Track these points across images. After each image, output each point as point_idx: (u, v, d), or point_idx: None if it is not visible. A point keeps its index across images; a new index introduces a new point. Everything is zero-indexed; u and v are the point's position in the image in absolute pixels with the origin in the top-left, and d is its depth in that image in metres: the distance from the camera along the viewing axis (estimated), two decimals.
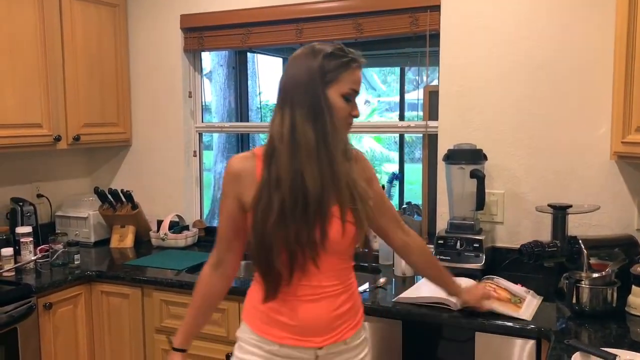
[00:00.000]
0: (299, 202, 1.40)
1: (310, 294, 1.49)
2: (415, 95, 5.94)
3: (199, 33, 3.07)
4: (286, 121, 1.44)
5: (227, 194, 1.54)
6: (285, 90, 1.47)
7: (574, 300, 1.93)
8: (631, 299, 1.93)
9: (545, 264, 2.17)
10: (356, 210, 1.47)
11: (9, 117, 2.56)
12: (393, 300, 2.09)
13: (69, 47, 2.82)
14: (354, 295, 1.59)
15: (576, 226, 2.30)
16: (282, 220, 1.40)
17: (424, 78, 2.87)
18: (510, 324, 1.86)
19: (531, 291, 2.11)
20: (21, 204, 2.84)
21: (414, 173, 5.67)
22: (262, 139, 6.09)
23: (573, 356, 1.48)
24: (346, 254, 1.54)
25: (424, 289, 2.16)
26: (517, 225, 2.46)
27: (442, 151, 2.51)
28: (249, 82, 5.20)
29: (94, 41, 2.96)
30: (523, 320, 1.87)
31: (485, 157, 2.41)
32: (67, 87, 2.82)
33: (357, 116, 1.50)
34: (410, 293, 2.11)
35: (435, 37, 2.55)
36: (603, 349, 1.49)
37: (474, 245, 2.34)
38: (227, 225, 1.56)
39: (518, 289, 2.10)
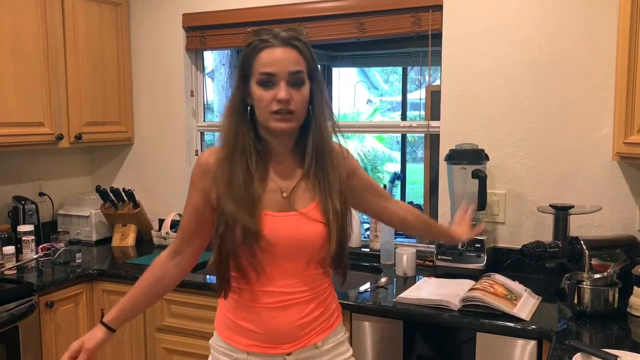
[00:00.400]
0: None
1: (276, 301, 1.42)
2: (417, 95, 5.93)
3: (201, 32, 3.07)
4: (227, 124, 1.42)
5: (195, 186, 1.46)
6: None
7: (576, 301, 1.92)
8: (633, 300, 1.93)
9: (547, 264, 2.17)
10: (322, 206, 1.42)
11: (11, 116, 2.56)
12: (394, 300, 2.09)
13: (71, 46, 2.82)
14: (326, 301, 1.51)
15: (578, 227, 2.29)
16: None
17: (426, 77, 2.86)
18: (511, 324, 1.86)
19: (528, 289, 2.11)
20: (23, 202, 2.85)
21: (416, 173, 5.67)
22: None
23: (574, 357, 1.47)
24: (314, 259, 1.45)
25: (424, 290, 2.16)
26: (519, 226, 2.46)
27: (444, 151, 2.51)
28: None
29: (96, 40, 2.97)
30: (524, 320, 1.87)
31: (487, 157, 2.41)
32: (69, 85, 2.82)
33: (282, 99, 1.32)
34: (411, 293, 2.11)
35: (437, 37, 2.55)
36: (604, 350, 1.49)
37: (476, 245, 2.33)
38: (190, 218, 1.49)
39: (515, 286, 2.10)
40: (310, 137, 1.41)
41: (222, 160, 1.40)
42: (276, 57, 1.33)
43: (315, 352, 1.47)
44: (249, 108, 1.39)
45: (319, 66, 1.43)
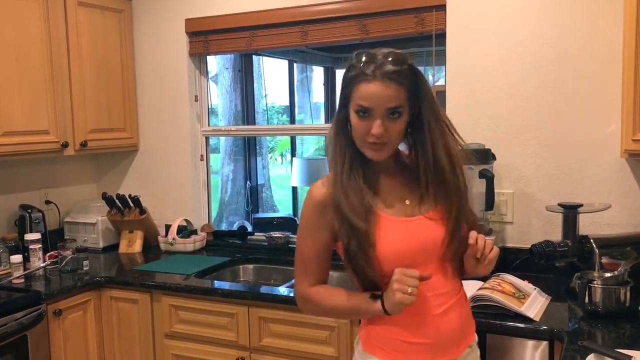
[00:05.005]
0: None
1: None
2: None
3: (204, 37, 3.07)
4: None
5: (318, 226, 1.46)
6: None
7: (587, 301, 1.91)
8: None
9: (557, 263, 2.14)
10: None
11: (17, 125, 2.56)
12: None
13: (75, 53, 2.82)
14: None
15: (587, 225, 2.27)
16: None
17: (430, 77, 2.85)
18: (522, 325, 1.84)
19: (537, 289, 2.10)
20: (30, 210, 2.85)
21: None
22: (268, 141, 6.10)
23: (587, 358, 1.46)
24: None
25: None
26: (527, 225, 2.44)
27: None
28: (255, 85, 5.20)
29: (99, 47, 2.97)
30: (533, 320, 1.85)
31: (494, 157, 2.39)
32: (73, 93, 2.82)
33: (376, 135, 1.34)
34: None
35: (441, 37, 2.54)
36: (618, 350, 1.47)
37: None
38: (315, 257, 1.49)
39: (524, 285, 2.09)
40: (421, 156, 1.43)
41: (333, 181, 1.43)
42: (374, 93, 1.33)
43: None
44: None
45: (427, 85, 1.42)
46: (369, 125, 1.34)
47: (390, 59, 1.33)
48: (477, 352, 1.57)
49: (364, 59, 1.35)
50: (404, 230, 1.41)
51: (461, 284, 1.54)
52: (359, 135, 1.38)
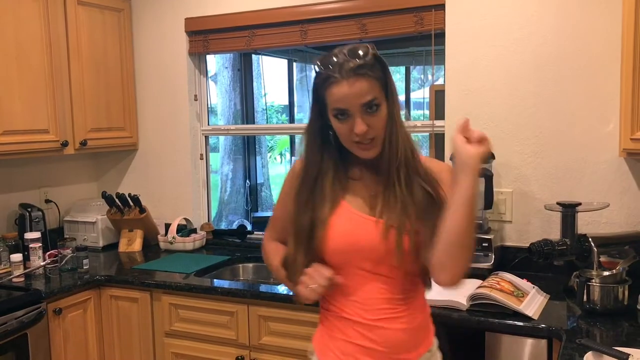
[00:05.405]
0: None
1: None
2: (420, 94, 5.92)
3: (204, 36, 3.07)
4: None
5: (286, 192, 1.50)
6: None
7: (585, 299, 1.92)
8: None
9: (555, 262, 2.15)
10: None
11: (16, 124, 2.57)
12: None
13: (75, 53, 2.83)
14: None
15: (586, 224, 2.28)
16: None
17: (429, 77, 2.86)
18: (520, 323, 1.85)
19: (536, 287, 2.10)
20: (29, 209, 2.85)
21: None
22: (267, 140, 6.10)
23: (585, 356, 1.47)
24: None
25: (432, 290, 2.15)
26: (526, 224, 2.45)
27: (449, 150, 2.50)
28: (254, 84, 5.20)
29: (99, 46, 2.97)
30: (531, 318, 1.86)
31: (492, 156, 2.40)
32: (73, 92, 2.83)
33: (359, 133, 1.31)
34: None
35: (440, 36, 2.54)
36: (615, 348, 1.48)
37: (483, 244, 2.33)
38: (281, 214, 1.54)
39: (523, 283, 2.10)
40: (388, 150, 1.37)
41: (301, 178, 1.43)
42: (345, 93, 1.29)
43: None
44: (330, 132, 1.40)
45: (390, 74, 1.37)
46: (350, 125, 1.32)
47: (350, 55, 1.29)
48: (438, 356, 1.54)
49: (326, 62, 1.32)
50: (353, 226, 1.38)
51: (417, 291, 1.48)
52: (345, 138, 1.35)
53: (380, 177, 1.41)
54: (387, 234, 1.35)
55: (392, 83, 1.36)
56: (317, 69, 1.33)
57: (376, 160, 1.40)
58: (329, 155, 1.41)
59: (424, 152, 2.40)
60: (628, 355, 1.41)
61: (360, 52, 1.30)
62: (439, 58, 2.58)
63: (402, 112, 1.40)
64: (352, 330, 1.41)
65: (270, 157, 6.73)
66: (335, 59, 1.30)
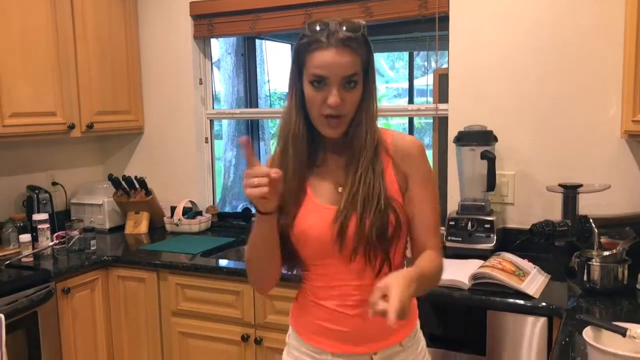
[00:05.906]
0: None
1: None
2: (424, 82, 5.92)
3: (209, 20, 3.08)
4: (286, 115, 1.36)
5: None
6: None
7: (585, 279, 1.94)
8: None
9: (556, 243, 2.18)
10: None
11: (24, 106, 2.59)
12: None
13: (81, 36, 2.85)
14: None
15: (587, 205, 2.30)
16: None
17: (433, 63, 2.87)
18: (521, 301, 1.88)
19: (537, 267, 2.13)
20: (37, 191, 2.89)
21: None
22: (271, 127, 6.11)
23: (584, 330, 1.49)
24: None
25: None
26: (528, 206, 2.47)
27: (452, 133, 2.53)
28: (258, 70, 5.21)
29: (104, 30, 2.99)
30: (532, 297, 1.90)
31: (495, 139, 2.42)
32: (79, 76, 2.85)
33: (332, 105, 1.25)
34: None
35: (444, 20, 2.55)
36: (614, 322, 1.51)
37: (485, 226, 2.35)
38: None
39: (524, 263, 2.13)
40: (352, 132, 1.33)
41: (277, 154, 1.39)
42: (329, 61, 1.24)
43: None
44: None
45: (373, 58, 1.33)
46: (325, 95, 1.25)
47: (344, 26, 1.25)
48: (417, 347, 1.45)
49: (317, 27, 1.26)
50: (319, 217, 1.34)
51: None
52: (315, 108, 1.28)
53: (343, 163, 1.36)
54: (335, 222, 1.31)
55: (373, 68, 1.33)
56: (306, 31, 1.28)
57: (339, 145, 1.36)
58: (302, 123, 1.34)
59: (427, 139, 2.41)
60: (626, 329, 1.44)
61: (354, 26, 1.27)
62: (443, 43, 2.59)
63: (376, 106, 1.34)
64: (325, 314, 1.39)
65: (273, 143, 6.74)
66: (326, 26, 1.26)
